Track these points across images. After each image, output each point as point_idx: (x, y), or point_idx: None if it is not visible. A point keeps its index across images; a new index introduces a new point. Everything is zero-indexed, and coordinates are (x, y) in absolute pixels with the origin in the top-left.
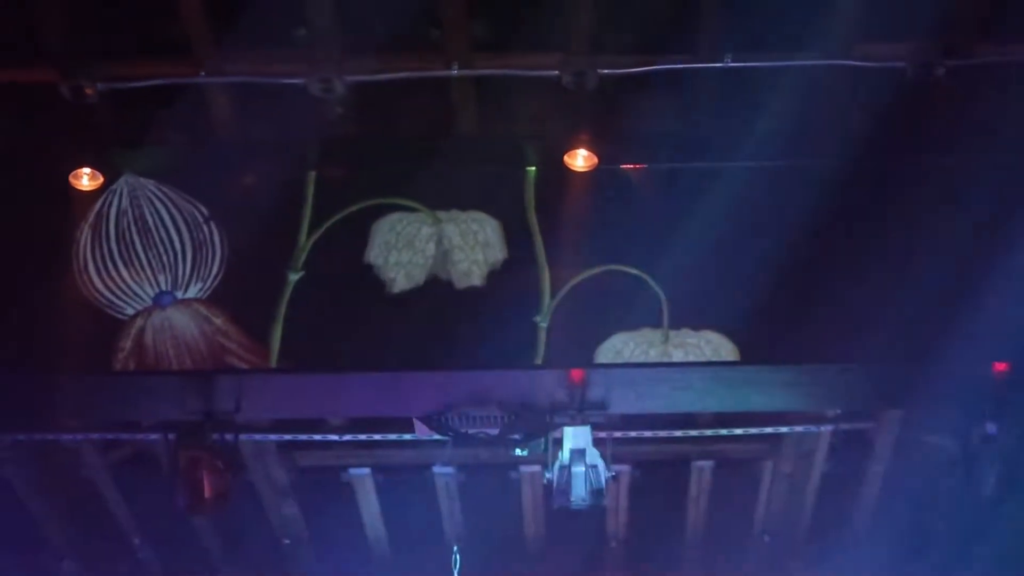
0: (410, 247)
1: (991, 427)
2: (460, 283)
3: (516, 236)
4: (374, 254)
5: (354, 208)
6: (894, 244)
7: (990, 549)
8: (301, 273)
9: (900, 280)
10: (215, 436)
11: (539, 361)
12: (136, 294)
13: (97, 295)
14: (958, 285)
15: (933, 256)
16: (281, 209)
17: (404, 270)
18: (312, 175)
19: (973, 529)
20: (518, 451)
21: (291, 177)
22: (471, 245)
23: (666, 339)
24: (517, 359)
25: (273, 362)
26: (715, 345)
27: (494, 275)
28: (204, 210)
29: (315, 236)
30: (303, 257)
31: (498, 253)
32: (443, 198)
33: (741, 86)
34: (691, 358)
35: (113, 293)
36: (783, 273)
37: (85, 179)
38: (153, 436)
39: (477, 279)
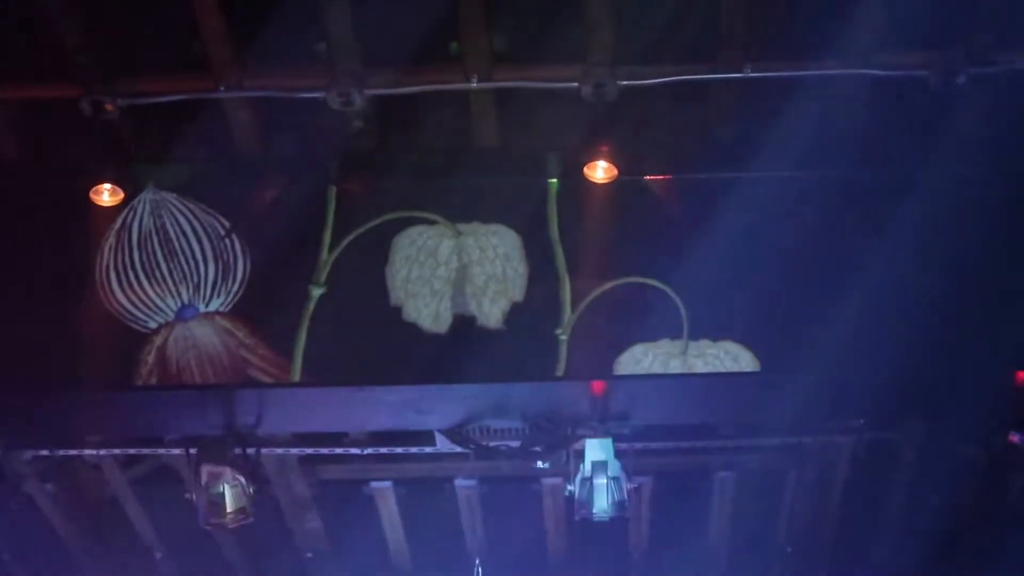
0: (432, 260)
1: (1015, 436)
2: (483, 321)
3: (537, 248)
4: (395, 269)
5: (375, 222)
6: (917, 253)
7: (1016, 557)
8: (324, 288)
9: (923, 289)
10: (237, 450)
11: (560, 373)
12: (159, 308)
13: (120, 309)
14: (981, 294)
15: (957, 264)
16: (302, 223)
17: (427, 310)
18: (333, 189)
19: (998, 538)
20: (540, 464)
21: (312, 191)
22: (491, 259)
23: (686, 350)
24: (538, 372)
25: (296, 376)
26: (735, 356)
27: (515, 308)
28: (226, 223)
29: (337, 251)
30: (326, 272)
31: (518, 266)
32: (463, 211)
33: (762, 96)
34: (711, 369)
35: (136, 307)
36: (804, 283)
37: (106, 195)
38: (175, 451)
39: (497, 320)
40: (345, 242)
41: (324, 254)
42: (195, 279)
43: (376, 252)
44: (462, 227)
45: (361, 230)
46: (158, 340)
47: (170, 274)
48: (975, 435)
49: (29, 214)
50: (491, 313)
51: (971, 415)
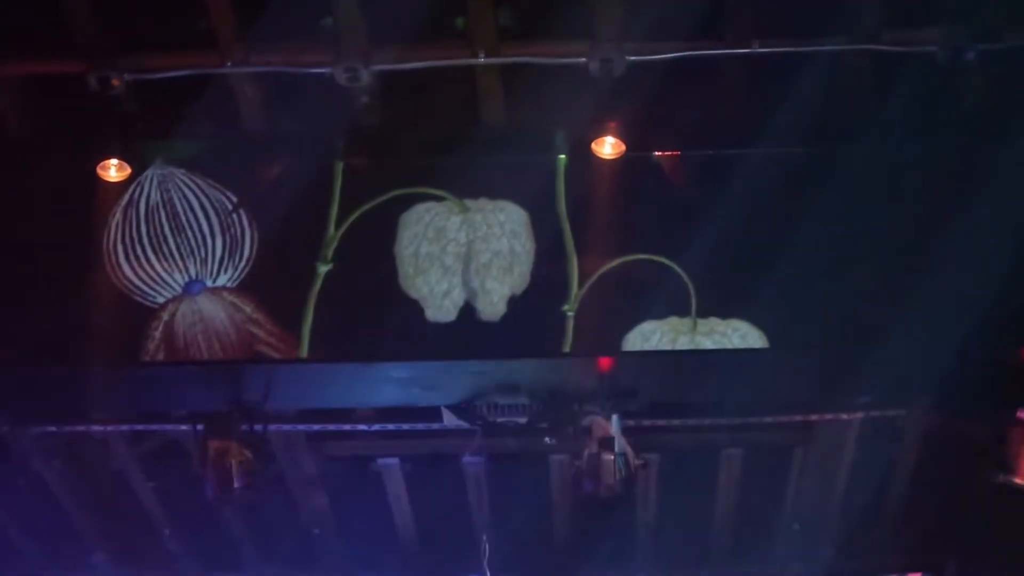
0: (441, 237)
1: (1022, 414)
2: (486, 314)
3: (544, 224)
4: (403, 245)
5: (382, 199)
6: (925, 231)
7: (1021, 536)
8: (331, 264)
9: (931, 267)
10: (244, 426)
11: (567, 350)
12: (166, 283)
13: (127, 284)
14: (989, 272)
15: (964, 242)
16: (309, 199)
17: (439, 287)
18: (339, 165)
19: (1003, 516)
20: (547, 440)
21: (318, 167)
22: (498, 235)
23: (694, 328)
24: (545, 348)
25: (303, 352)
26: (743, 334)
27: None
28: (233, 198)
29: (343, 227)
30: (332, 248)
31: (525, 243)
32: (471, 187)
33: (770, 72)
34: (719, 347)
35: (143, 282)
36: (812, 261)
37: (113, 170)
38: (182, 427)
39: (501, 297)
40: (352, 218)
41: (331, 230)
42: (202, 254)
43: (383, 228)
44: (469, 203)
45: (368, 206)
46: (165, 315)
47: (177, 249)
48: (982, 413)
49: (36, 191)
50: (495, 290)
51: (978, 393)
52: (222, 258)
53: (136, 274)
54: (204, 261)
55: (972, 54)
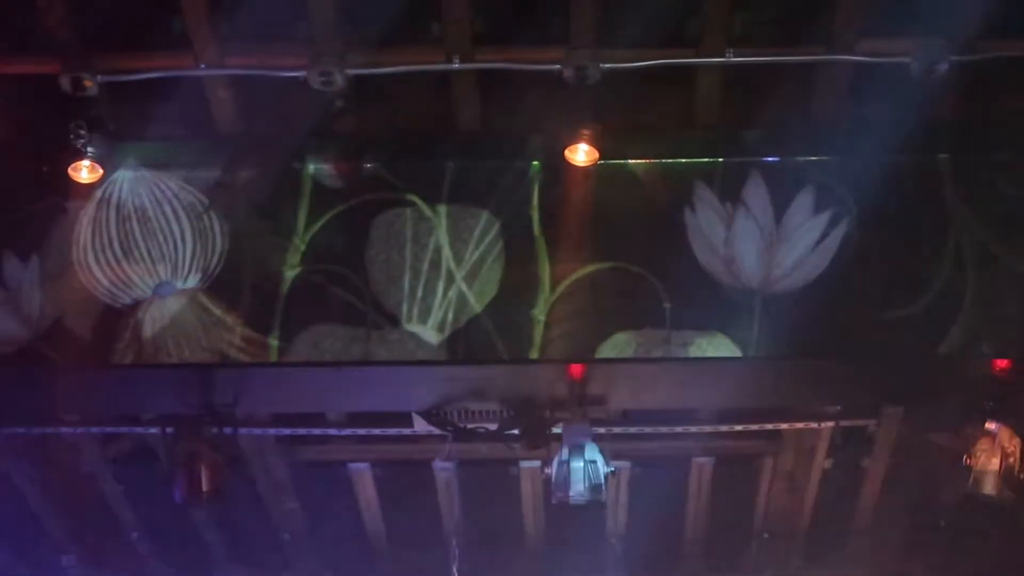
0: (411, 243)
1: (992, 424)
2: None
3: (517, 230)
4: (374, 251)
5: (352, 203)
6: (898, 241)
7: (991, 546)
8: (298, 269)
9: (904, 276)
10: (214, 429)
11: (536, 356)
12: (136, 284)
13: (97, 286)
14: (963, 282)
15: (935, 253)
16: (279, 202)
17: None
18: (310, 168)
19: (971, 526)
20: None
21: (290, 170)
22: (465, 241)
23: (668, 339)
24: (516, 354)
25: (273, 356)
26: (716, 346)
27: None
28: (204, 200)
29: (311, 231)
30: (301, 252)
31: (495, 249)
32: (444, 192)
33: (744, 81)
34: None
35: (113, 283)
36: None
37: (84, 171)
38: (152, 429)
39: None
40: (320, 223)
41: (299, 234)
42: (173, 256)
43: (353, 233)
44: (441, 208)
45: (336, 211)
46: (135, 318)
47: (148, 251)
48: (951, 423)
49: (7, 190)
50: (466, 295)
51: (949, 403)
52: (192, 259)
53: (106, 275)
54: (175, 264)
55: (946, 65)
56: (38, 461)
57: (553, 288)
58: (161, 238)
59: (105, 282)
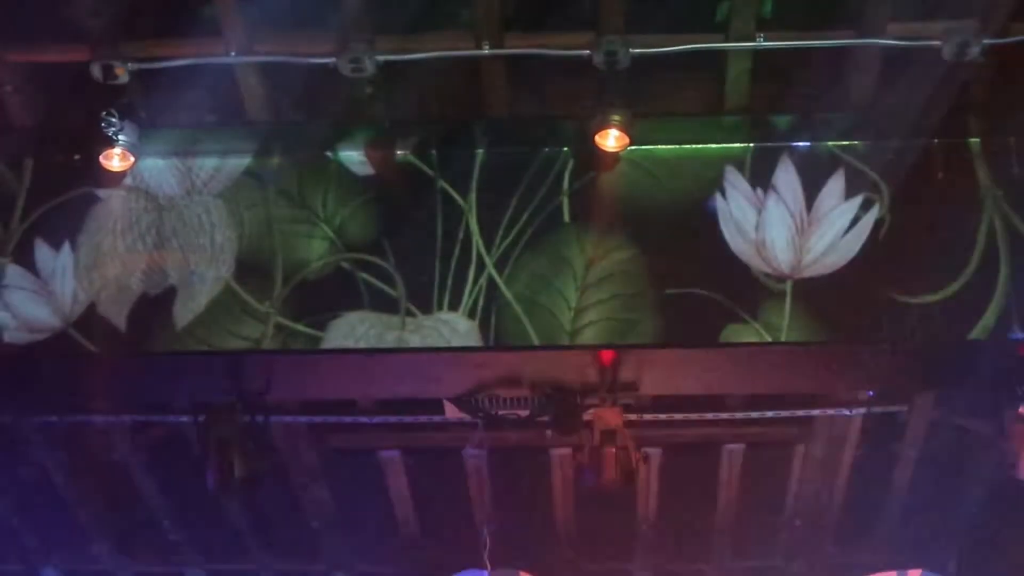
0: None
1: None
2: None
3: (547, 216)
4: (404, 239)
5: (382, 190)
6: (930, 225)
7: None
8: (329, 257)
9: (935, 261)
10: (246, 417)
11: (566, 342)
12: (169, 272)
13: (130, 274)
14: (995, 266)
15: (967, 237)
16: (309, 190)
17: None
18: (340, 155)
19: (1006, 513)
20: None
21: (319, 157)
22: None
23: (698, 325)
24: (547, 340)
25: (307, 344)
26: (748, 332)
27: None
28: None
29: (342, 218)
30: (331, 239)
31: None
32: (473, 179)
33: (773, 65)
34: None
35: (146, 272)
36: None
37: (116, 160)
38: (184, 418)
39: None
40: (350, 210)
41: (330, 221)
42: (205, 244)
43: (383, 220)
44: (470, 195)
45: (366, 197)
46: (168, 305)
47: (181, 239)
48: (985, 408)
49: (42, 179)
50: (496, 282)
51: (981, 388)
52: (224, 248)
53: (140, 264)
54: (207, 251)
55: (977, 48)
56: (70, 450)
57: (584, 274)
58: (194, 226)
59: (138, 270)
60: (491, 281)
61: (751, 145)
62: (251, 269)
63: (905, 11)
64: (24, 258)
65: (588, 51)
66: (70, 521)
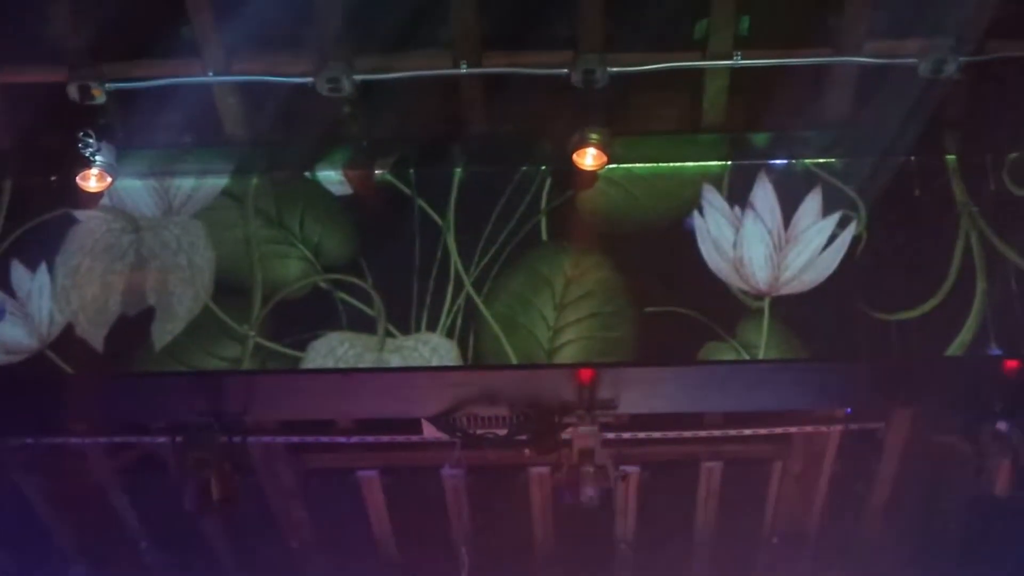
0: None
1: (1002, 425)
2: None
3: (526, 235)
4: (382, 259)
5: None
6: (907, 242)
7: (1000, 548)
8: (308, 277)
9: (913, 278)
10: (223, 438)
11: (545, 361)
12: (148, 293)
13: (109, 295)
14: (971, 282)
15: (944, 254)
16: (288, 209)
17: None
18: (318, 175)
19: (984, 529)
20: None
21: (298, 176)
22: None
23: (676, 343)
24: (525, 359)
25: (287, 365)
26: (725, 349)
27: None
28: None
29: (321, 238)
30: (310, 259)
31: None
32: (451, 198)
33: (750, 83)
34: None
35: (125, 292)
36: None
37: (93, 180)
38: (161, 439)
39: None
40: (329, 229)
41: (308, 241)
42: (184, 265)
43: (362, 240)
44: (449, 214)
45: (345, 217)
46: (147, 326)
47: (159, 260)
48: (963, 425)
49: (19, 198)
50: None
51: (959, 405)
52: (203, 269)
53: (118, 284)
54: (186, 272)
55: (953, 66)
56: (47, 471)
57: (562, 293)
58: (172, 247)
59: (117, 291)
60: (469, 300)
61: (729, 163)
62: (230, 290)
63: (881, 29)
64: (1, 280)
65: (566, 70)
66: (47, 543)
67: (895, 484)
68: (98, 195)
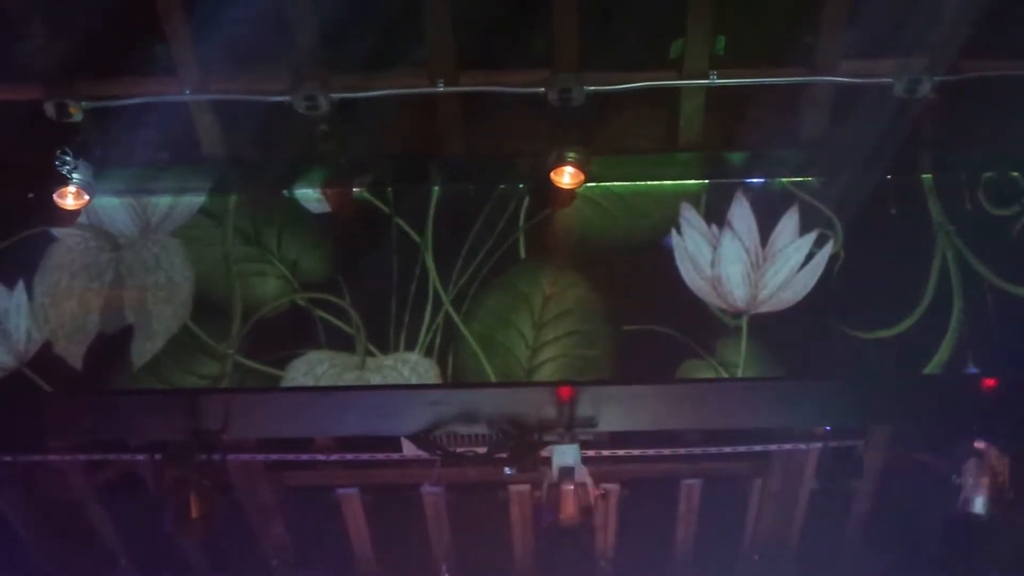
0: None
1: (980, 444)
2: None
3: (504, 253)
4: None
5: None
6: (884, 261)
7: (979, 566)
8: (286, 296)
9: (890, 296)
10: (202, 456)
11: (524, 378)
12: (127, 311)
13: (87, 312)
14: (948, 301)
15: (921, 273)
16: (265, 228)
17: None
18: (296, 193)
19: (963, 547)
20: (508, 470)
21: (275, 195)
22: (452, 264)
23: (654, 361)
24: (504, 377)
25: (265, 383)
26: (704, 367)
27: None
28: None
29: (298, 256)
30: (288, 278)
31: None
32: (429, 216)
33: (727, 102)
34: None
35: (104, 310)
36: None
37: (70, 198)
38: (140, 456)
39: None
40: (307, 248)
41: (286, 260)
42: (163, 283)
43: (339, 258)
44: (427, 232)
45: (322, 235)
46: (126, 343)
47: (137, 278)
48: (940, 443)
49: None
50: (453, 320)
51: (937, 422)
52: (182, 287)
53: (97, 302)
54: (164, 290)
55: (928, 86)
56: (26, 489)
57: (541, 311)
58: (150, 264)
59: (95, 309)
60: (448, 319)
61: (706, 181)
62: (208, 308)
63: (857, 49)
64: None
65: (543, 88)
66: (25, 561)
67: (874, 502)
68: (76, 213)
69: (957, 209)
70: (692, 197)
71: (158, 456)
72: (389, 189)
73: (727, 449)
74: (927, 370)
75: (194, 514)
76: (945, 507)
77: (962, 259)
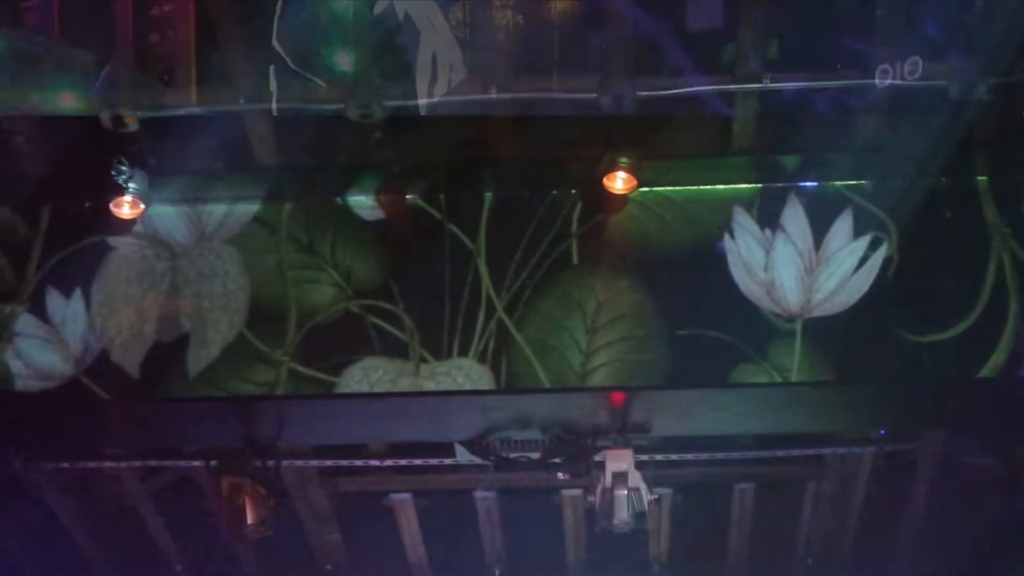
0: (452, 273)
1: None
2: None
3: (556, 259)
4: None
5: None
6: (938, 264)
7: None
8: (341, 303)
9: (945, 299)
10: (257, 462)
11: (577, 384)
12: (183, 319)
13: (144, 321)
14: (1004, 303)
15: (976, 275)
16: (320, 236)
17: None
18: (349, 201)
19: (1017, 550)
20: (560, 476)
21: (329, 203)
22: (504, 270)
23: (709, 366)
24: (558, 382)
25: (320, 390)
26: (758, 372)
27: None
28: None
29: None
30: (342, 285)
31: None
32: (482, 223)
33: (780, 105)
34: None
35: (160, 319)
36: None
37: (126, 207)
38: (195, 463)
39: None
40: (360, 255)
41: (340, 267)
42: (218, 291)
43: (392, 265)
44: (479, 239)
45: (376, 243)
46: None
47: (193, 286)
48: (994, 446)
49: (55, 227)
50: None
51: (992, 425)
52: (237, 295)
53: (153, 311)
54: (220, 298)
55: (983, 87)
56: (82, 495)
57: (594, 316)
58: (206, 273)
59: (152, 317)
60: (501, 324)
61: (759, 185)
62: (263, 315)
63: (911, 52)
64: (36, 306)
65: (595, 94)
66: (82, 567)
67: (928, 505)
68: (132, 222)
69: (1012, 211)
70: (745, 201)
71: (213, 463)
72: (442, 196)
73: (780, 453)
74: (983, 373)
75: (249, 520)
76: (1001, 510)
77: (1018, 261)
